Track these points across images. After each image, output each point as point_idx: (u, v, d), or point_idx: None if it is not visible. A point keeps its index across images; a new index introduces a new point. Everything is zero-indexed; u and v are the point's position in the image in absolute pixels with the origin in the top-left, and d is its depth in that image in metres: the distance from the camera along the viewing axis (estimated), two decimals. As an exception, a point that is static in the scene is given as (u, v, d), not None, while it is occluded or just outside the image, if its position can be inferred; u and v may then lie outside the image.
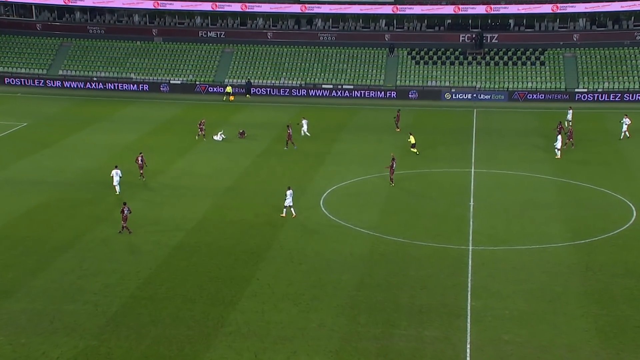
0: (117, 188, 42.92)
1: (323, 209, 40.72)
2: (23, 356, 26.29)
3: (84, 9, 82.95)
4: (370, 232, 37.49)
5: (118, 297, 30.47)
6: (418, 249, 35.43)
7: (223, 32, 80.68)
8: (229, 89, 71.45)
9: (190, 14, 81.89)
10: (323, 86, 73.84)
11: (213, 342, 27.40)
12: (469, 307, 29.79)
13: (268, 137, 56.30)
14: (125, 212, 36.94)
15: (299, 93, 72.83)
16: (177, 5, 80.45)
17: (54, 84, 75.88)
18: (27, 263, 33.34)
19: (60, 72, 78.38)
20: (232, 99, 70.68)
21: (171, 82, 75.69)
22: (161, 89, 74.61)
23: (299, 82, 74.96)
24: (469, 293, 30.95)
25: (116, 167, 43.67)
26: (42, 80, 76.30)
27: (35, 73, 78.23)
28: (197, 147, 53.24)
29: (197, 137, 55.76)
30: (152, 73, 77.60)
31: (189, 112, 62.84)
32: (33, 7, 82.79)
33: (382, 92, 71.82)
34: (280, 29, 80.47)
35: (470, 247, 35.60)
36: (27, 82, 75.86)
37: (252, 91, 73.13)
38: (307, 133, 56.05)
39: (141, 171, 45.45)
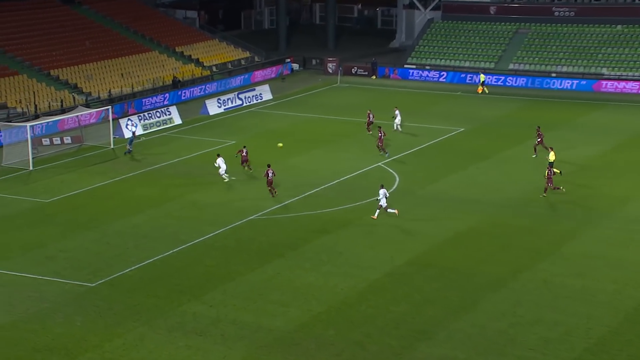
0: (224, 177, 49.45)
1: None
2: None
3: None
4: None
5: (560, 358, 30.14)
6: None
7: None
8: (482, 77, 74.12)
9: None
10: None
11: None
12: None
13: None
14: (270, 175, 46.26)
15: None
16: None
17: (500, 81, 78.85)
18: (450, 300, 34.91)
19: (511, 66, 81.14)
20: (480, 91, 74.13)
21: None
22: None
23: None
24: None
25: (219, 156, 49.71)
26: (486, 75, 79.67)
27: (480, 67, 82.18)
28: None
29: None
30: (633, 67, 75.70)
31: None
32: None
33: None
34: None
35: None
36: (469, 79, 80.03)
37: None
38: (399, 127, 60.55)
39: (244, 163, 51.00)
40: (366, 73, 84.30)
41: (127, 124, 61.29)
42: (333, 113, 65.83)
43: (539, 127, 55.52)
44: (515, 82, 78.14)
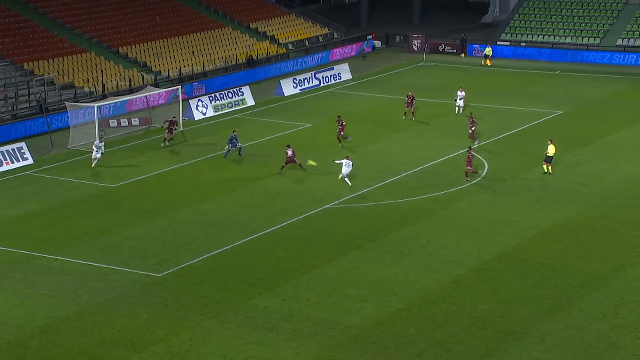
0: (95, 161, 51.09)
1: None
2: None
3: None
4: None
5: (667, 366, 29.80)
6: None
7: None
8: (488, 51, 78.48)
9: None
10: None
11: None
12: None
13: None
14: (289, 153, 48.52)
15: None
16: None
17: (605, 58, 77.53)
18: (543, 298, 34.64)
19: (619, 42, 79.69)
20: (489, 64, 77.73)
21: None
22: None
23: None
24: None
25: (101, 139, 52.57)
26: (590, 53, 78.44)
27: (583, 43, 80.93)
28: None
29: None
30: None
31: None
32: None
33: None
34: None
35: None
36: (566, 57, 78.76)
37: None
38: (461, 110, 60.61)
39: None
40: (454, 51, 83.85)
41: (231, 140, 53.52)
42: (418, 94, 65.44)
43: None
44: (623, 60, 76.83)
